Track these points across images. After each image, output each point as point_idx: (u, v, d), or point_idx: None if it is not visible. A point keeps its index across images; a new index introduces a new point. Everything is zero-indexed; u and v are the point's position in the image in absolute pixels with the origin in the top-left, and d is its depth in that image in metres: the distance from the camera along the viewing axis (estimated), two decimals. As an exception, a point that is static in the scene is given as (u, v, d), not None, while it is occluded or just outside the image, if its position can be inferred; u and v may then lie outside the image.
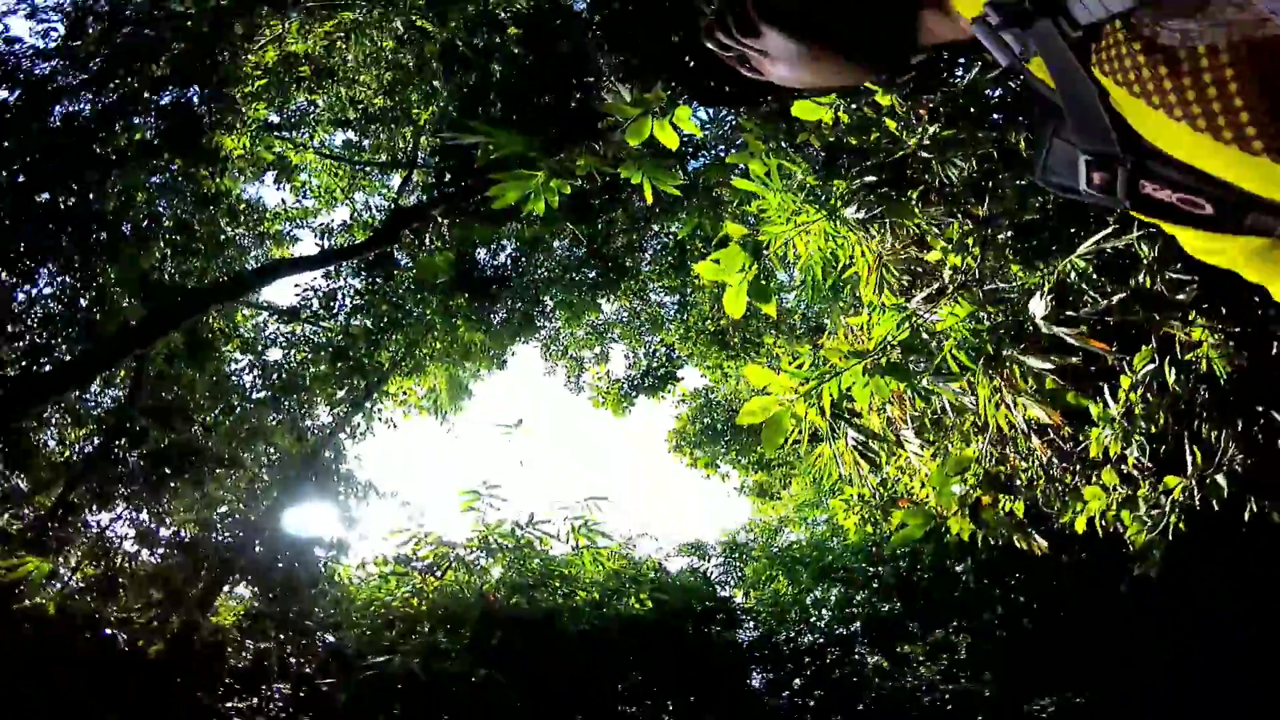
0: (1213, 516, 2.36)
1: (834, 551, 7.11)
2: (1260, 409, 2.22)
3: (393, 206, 7.35)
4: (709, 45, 0.74)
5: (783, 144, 2.90)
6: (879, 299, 3.27)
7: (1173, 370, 2.20)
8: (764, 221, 3.29)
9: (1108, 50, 0.50)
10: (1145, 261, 2.09)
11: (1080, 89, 0.53)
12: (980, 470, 3.93)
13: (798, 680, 6.82)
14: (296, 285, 8.02)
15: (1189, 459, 2.33)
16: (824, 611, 7.13)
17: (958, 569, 5.67)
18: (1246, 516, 2.37)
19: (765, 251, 3.34)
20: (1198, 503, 2.33)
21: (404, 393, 9.05)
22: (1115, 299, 2.24)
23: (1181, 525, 2.39)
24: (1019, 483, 3.46)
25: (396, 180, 7.64)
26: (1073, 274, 2.27)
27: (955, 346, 2.96)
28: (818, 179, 2.71)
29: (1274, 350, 1.99)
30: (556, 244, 6.68)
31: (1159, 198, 0.53)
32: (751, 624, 7.65)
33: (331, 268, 7.68)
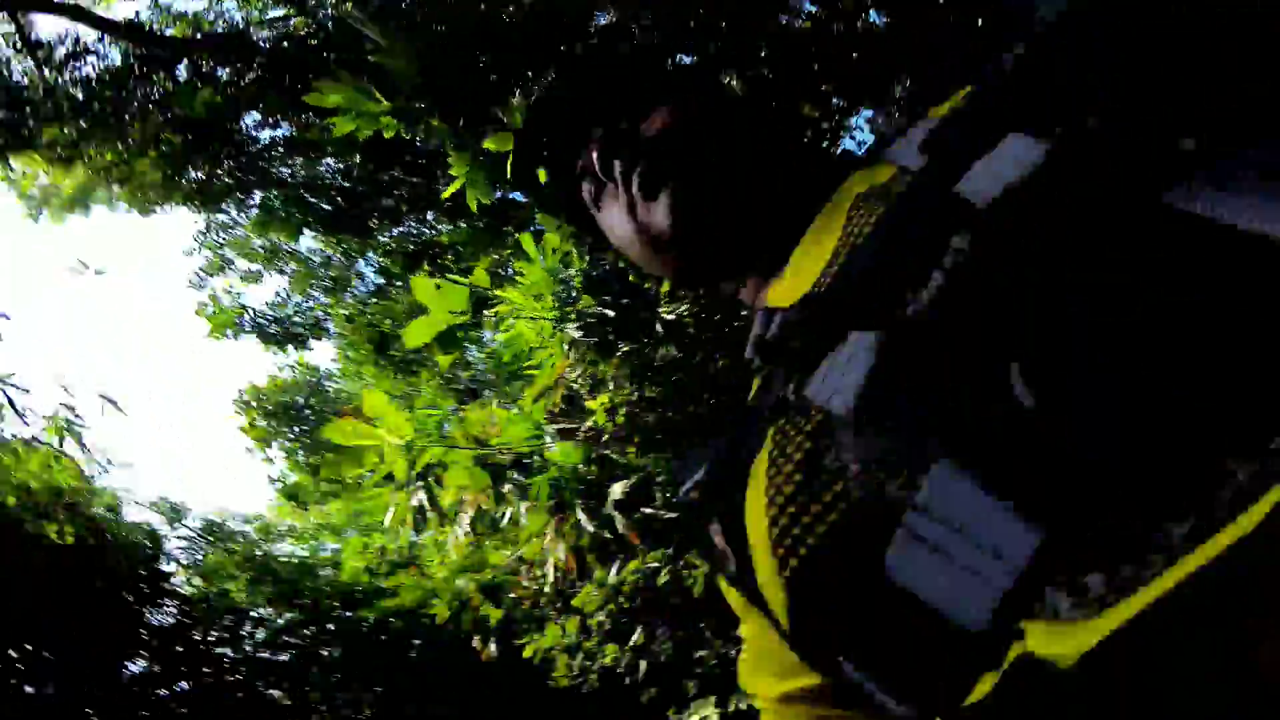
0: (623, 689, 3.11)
1: (316, 580, 6.91)
2: (701, 625, 3.08)
3: (240, 28, 6.03)
4: (594, 160, 0.68)
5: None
6: (531, 407, 3.73)
7: (667, 574, 3.03)
8: (513, 284, 3.41)
9: (799, 422, 0.46)
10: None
11: (749, 431, 0.51)
12: (491, 575, 4.41)
13: (185, 684, 6.18)
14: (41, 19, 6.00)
15: (635, 635, 3.12)
16: (259, 631, 6.73)
17: (414, 641, 5.97)
18: (646, 699, 3.15)
19: (488, 312, 3.62)
20: (622, 670, 3.08)
21: (25, 170, 6.91)
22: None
23: (596, 682, 3.14)
24: (512, 597, 4.00)
25: (278, 13, 6.25)
26: (662, 474, 3.02)
27: (548, 480, 3.49)
28: (583, 286, 3.08)
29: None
30: (330, 158, 6.09)
31: (715, 540, 0.54)
32: (174, 610, 6.85)
33: (98, 30, 5.96)
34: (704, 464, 0.57)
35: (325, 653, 6.38)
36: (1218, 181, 0.32)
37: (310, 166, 6.14)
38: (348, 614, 6.77)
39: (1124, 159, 0.36)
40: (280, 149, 6.05)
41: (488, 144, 2.52)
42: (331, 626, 6.75)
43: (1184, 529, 0.28)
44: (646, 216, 0.66)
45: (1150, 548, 0.29)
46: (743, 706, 2.94)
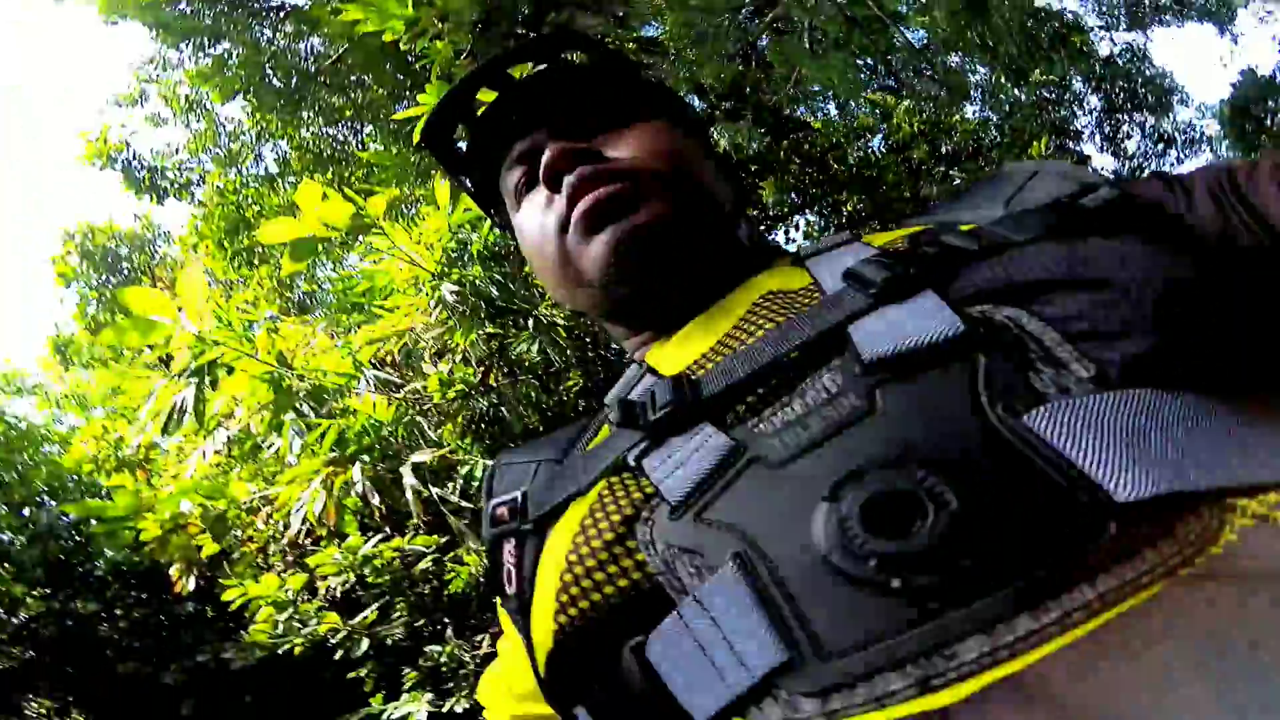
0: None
1: (35, 455, 5.87)
2: (445, 621, 2.80)
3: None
4: (547, 157, 0.62)
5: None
6: (362, 346, 3.40)
7: (430, 562, 2.75)
8: (412, 224, 3.30)
9: (629, 486, 0.47)
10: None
11: (581, 474, 0.51)
12: (225, 505, 3.86)
13: None
14: None
15: (369, 612, 2.79)
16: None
17: (107, 553, 5.11)
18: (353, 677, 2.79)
19: (365, 238, 3.34)
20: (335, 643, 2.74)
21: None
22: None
23: (298, 650, 2.75)
24: (236, 535, 3.50)
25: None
26: (469, 464, 2.79)
27: (342, 427, 3.13)
28: (479, 254, 2.96)
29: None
30: (317, 38, 5.60)
31: (507, 559, 0.55)
32: None
33: None
34: (523, 484, 0.58)
35: (6, 538, 5.35)
36: (1084, 416, 0.35)
37: (293, 39, 5.68)
38: (51, 503, 5.78)
39: (1013, 361, 0.38)
40: (281, 13, 5.58)
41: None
42: (27, 513, 5.72)
43: (903, 683, 0.31)
44: (577, 246, 0.61)
45: (863, 688, 0.32)
46: (458, 709, 2.69)
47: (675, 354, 0.57)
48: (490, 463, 2.87)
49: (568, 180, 0.61)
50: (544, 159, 0.62)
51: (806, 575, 0.36)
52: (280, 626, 3.06)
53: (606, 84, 0.70)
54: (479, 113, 0.71)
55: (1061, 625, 0.30)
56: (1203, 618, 0.30)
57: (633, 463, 0.48)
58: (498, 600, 0.60)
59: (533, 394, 2.97)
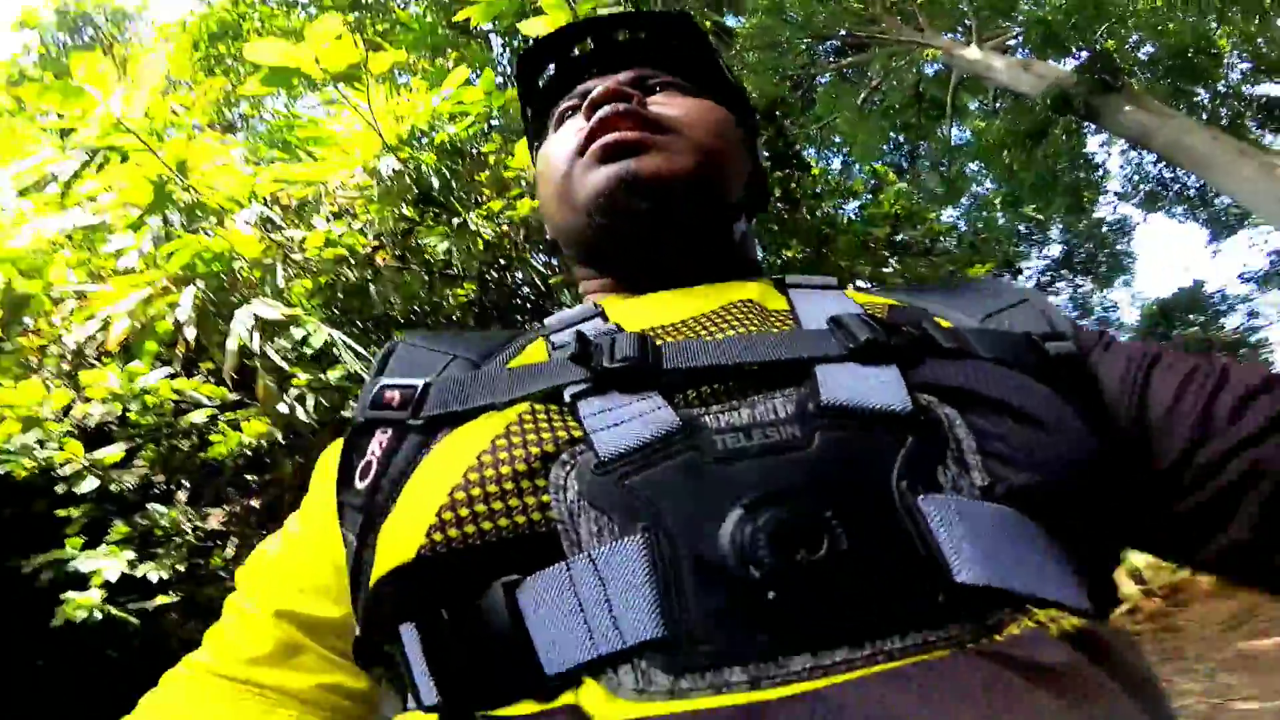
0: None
1: None
2: (183, 485, 2.31)
3: None
4: (603, 90, 0.63)
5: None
6: (267, 181, 2.98)
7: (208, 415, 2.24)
8: (395, 91, 2.97)
9: (555, 423, 0.46)
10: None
11: (501, 387, 0.50)
12: (38, 290, 3.32)
13: None
14: None
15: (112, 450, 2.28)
16: None
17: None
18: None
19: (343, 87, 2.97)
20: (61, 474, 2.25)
21: None
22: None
23: (21, 475, 2.25)
24: (26, 327, 2.95)
25: None
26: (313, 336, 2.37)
27: (199, 248, 2.68)
28: (437, 146, 2.69)
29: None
30: None
31: (372, 448, 0.51)
32: None
33: None
34: (427, 375, 0.55)
35: None
36: (963, 513, 0.39)
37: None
38: None
39: (932, 452, 0.42)
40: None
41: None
42: None
43: (741, 677, 0.35)
44: (583, 170, 0.63)
45: (710, 675, 0.35)
46: (153, 577, 2.21)
47: (637, 313, 0.59)
48: (330, 332, 2.47)
49: (603, 110, 0.63)
50: (593, 92, 0.64)
51: (701, 568, 0.37)
52: (14, 442, 2.50)
53: (689, 58, 0.73)
54: (569, 56, 0.74)
55: (867, 661, 0.35)
56: (974, 683, 0.34)
57: (568, 399, 0.47)
58: (331, 485, 0.54)
59: (416, 286, 2.53)
